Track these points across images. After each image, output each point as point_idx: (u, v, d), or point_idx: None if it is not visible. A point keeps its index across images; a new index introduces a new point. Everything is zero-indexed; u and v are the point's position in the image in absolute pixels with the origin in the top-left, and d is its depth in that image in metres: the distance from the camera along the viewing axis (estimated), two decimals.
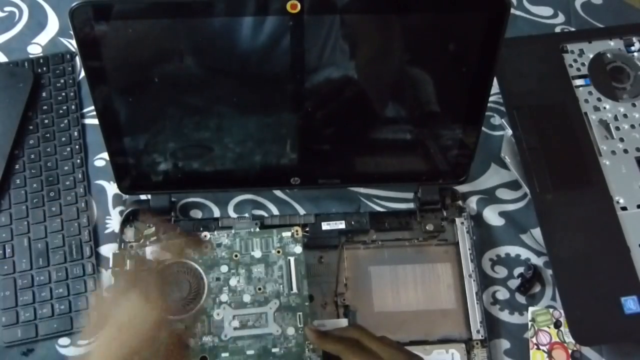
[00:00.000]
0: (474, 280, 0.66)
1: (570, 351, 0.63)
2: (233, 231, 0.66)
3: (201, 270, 0.63)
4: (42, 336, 0.63)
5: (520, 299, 0.67)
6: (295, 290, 0.63)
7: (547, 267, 0.68)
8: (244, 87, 0.64)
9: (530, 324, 0.65)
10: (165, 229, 0.64)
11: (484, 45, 0.59)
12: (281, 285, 0.63)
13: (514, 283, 0.67)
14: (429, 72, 0.64)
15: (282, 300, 0.62)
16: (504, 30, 0.57)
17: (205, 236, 0.65)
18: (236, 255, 0.64)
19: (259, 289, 0.63)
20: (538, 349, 0.63)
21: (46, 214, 0.70)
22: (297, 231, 0.65)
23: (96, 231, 0.70)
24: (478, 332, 0.64)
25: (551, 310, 0.65)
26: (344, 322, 0.64)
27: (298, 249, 0.65)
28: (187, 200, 0.72)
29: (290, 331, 0.61)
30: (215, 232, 0.66)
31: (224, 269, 0.64)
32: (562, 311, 0.64)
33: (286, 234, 0.65)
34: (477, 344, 0.64)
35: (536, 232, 0.70)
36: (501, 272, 0.68)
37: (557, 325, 0.64)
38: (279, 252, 0.64)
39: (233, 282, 0.63)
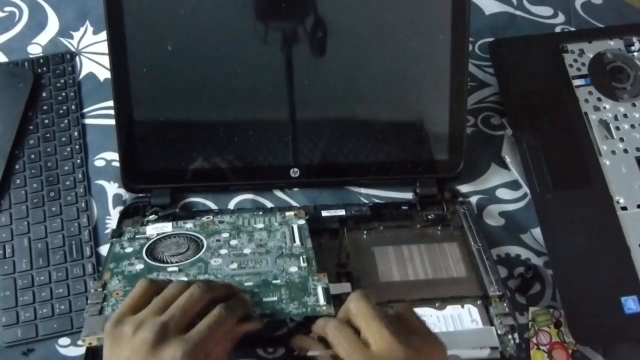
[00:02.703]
0: (483, 250, 0.65)
1: (570, 351, 0.63)
2: (237, 214, 0.66)
3: (202, 237, 0.62)
4: (42, 336, 0.63)
5: (520, 299, 0.67)
6: (298, 243, 0.61)
7: (547, 267, 0.68)
8: (245, 71, 0.68)
9: (530, 324, 0.65)
10: None
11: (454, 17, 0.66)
12: (283, 242, 0.61)
13: (514, 283, 0.67)
14: (410, 55, 0.69)
15: (285, 251, 0.60)
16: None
17: (208, 217, 0.65)
18: (238, 227, 0.64)
19: (260, 245, 0.60)
20: (538, 349, 0.63)
21: (46, 214, 0.70)
22: (299, 212, 0.66)
23: (96, 231, 0.69)
24: (494, 289, 0.61)
25: (551, 310, 0.65)
26: (347, 286, 0.59)
27: (301, 222, 0.64)
28: (187, 200, 0.72)
29: (293, 269, 0.57)
30: (219, 215, 0.66)
31: (225, 235, 0.62)
32: (562, 311, 0.64)
33: (289, 213, 0.66)
34: (495, 300, 0.60)
35: (536, 232, 0.70)
36: (501, 272, 0.68)
37: (557, 325, 0.64)
38: (281, 224, 0.64)
39: (233, 242, 0.61)
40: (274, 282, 0.56)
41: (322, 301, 0.54)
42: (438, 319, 0.58)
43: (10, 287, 0.65)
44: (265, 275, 0.57)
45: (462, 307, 0.60)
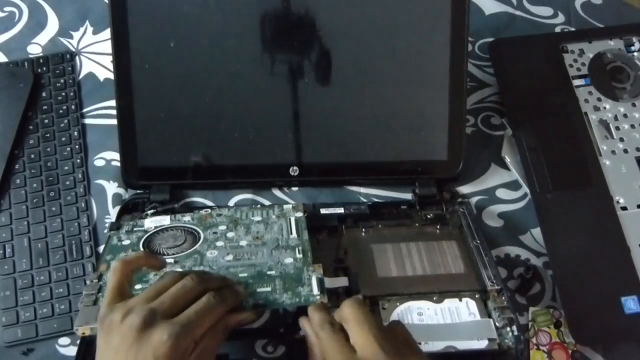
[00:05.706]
0: (482, 247, 0.64)
1: (570, 351, 0.63)
2: (235, 207, 0.67)
3: (199, 230, 0.63)
4: (42, 336, 0.63)
5: (520, 299, 0.67)
6: (294, 235, 0.61)
7: (547, 267, 0.68)
8: (247, 68, 0.68)
9: (530, 324, 0.65)
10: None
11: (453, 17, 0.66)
12: (280, 234, 0.61)
13: (514, 283, 0.67)
14: (410, 55, 0.69)
15: (281, 243, 0.60)
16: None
17: (206, 210, 0.66)
18: (236, 220, 0.64)
19: (257, 238, 0.61)
20: (538, 349, 0.63)
21: (46, 214, 0.70)
22: (297, 205, 0.66)
23: (96, 231, 0.69)
24: (493, 283, 0.60)
25: (551, 310, 0.65)
26: (344, 280, 0.60)
27: (299, 214, 0.64)
28: (186, 200, 0.72)
29: (288, 260, 0.57)
30: (218, 209, 0.66)
31: (222, 227, 0.63)
32: (562, 311, 0.64)
33: (287, 206, 0.66)
34: (493, 294, 0.59)
35: (536, 232, 0.70)
36: (501, 272, 0.68)
37: (557, 325, 0.64)
38: (279, 217, 0.64)
39: (230, 234, 0.62)
40: (268, 273, 0.56)
41: (315, 291, 0.54)
42: (435, 312, 0.58)
43: (10, 287, 0.65)
44: (260, 267, 0.56)
45: (460, 300, 0.59)
